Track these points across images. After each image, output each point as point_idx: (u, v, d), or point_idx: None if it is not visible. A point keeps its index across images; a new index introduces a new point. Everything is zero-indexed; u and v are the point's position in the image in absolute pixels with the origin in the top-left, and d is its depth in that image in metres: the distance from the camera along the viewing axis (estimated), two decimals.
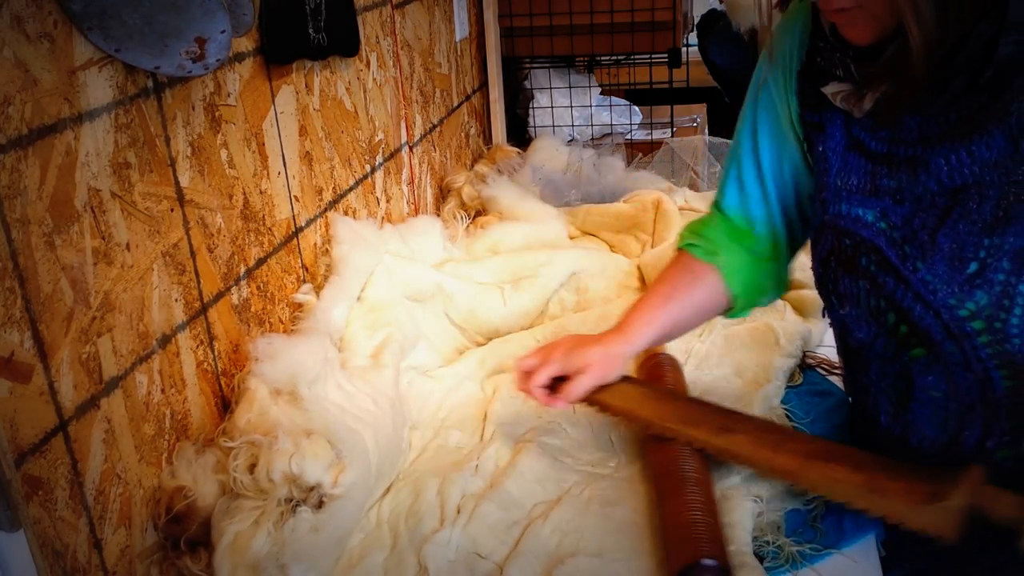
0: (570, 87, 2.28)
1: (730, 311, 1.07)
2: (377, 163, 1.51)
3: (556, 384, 1.04)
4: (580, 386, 1.02)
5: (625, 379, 1.07)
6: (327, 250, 1.27)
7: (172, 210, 0.94)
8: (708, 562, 0.84)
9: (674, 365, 1.20)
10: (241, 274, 1.08)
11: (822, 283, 0.94)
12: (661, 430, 1.02)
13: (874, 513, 0.87)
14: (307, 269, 1.26)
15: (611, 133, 2.33)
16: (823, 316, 1.06)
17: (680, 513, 0.91)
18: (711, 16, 2.44)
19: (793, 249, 1.06)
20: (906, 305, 0.84)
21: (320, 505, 0.92)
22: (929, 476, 0.86)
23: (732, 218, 1.04)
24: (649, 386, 1.10)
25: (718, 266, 1.03)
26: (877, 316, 0.88)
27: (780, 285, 1.09)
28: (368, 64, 1.45)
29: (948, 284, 0.80)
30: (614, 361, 1.04)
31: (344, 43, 1.33)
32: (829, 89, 0.87)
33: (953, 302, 0.81)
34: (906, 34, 0.75)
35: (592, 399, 1.05)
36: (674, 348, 1.33)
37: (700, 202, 1.79)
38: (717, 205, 1.07)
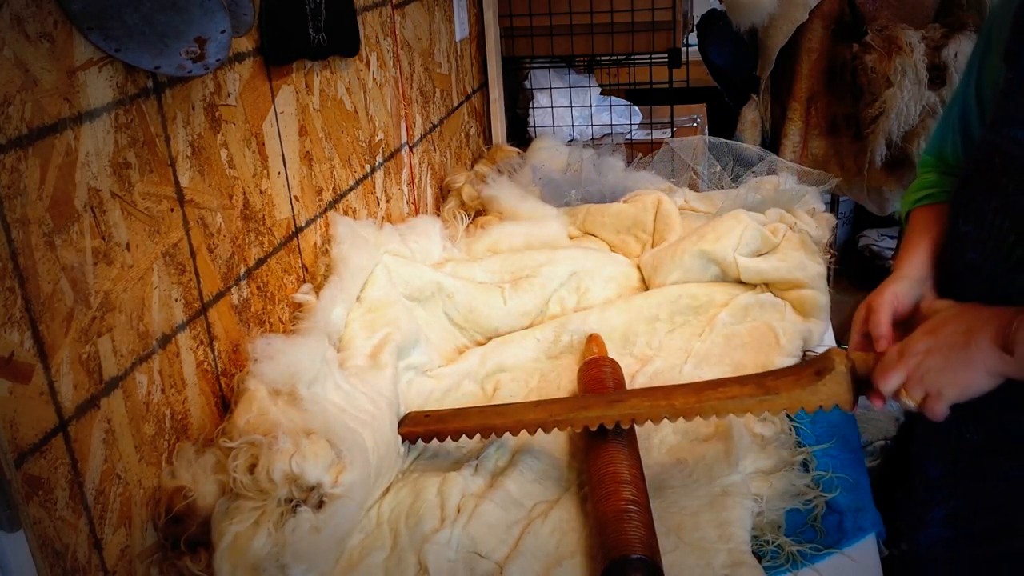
0: (570, 87, 2.28)
1: None
2: (377, 163, 1.51)
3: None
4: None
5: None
6: (327, 250, 1.27)
7: (172, 210, 0.94)
8: (638, 557, 0.85)
9: (615, 368, 1.22)
10: (241, 274, 1.08)
11: (957, 199, 0.98)
12: (555, 424, 1.03)
13: (776, 411, 0.95)
14: (307, 269, 1.26)
15: (611, 133, 2.33)
16: (958, 227, 1.04)
17: (612, 509, 0.91)
18: (711, 16, 2.43)
19: None
20: None
21: (320, 505, 0.92)
22: (805, 365, 0.96)
23: (944, 160, 1.11)
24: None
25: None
26: (997, 235, 0.90)
27: None
28: (368, 64, 1.45)
29: None
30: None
31: (344, 43, 1.33)
32: None
33: None
34: None
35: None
36: (675, 348, 1.33)
37: (700, 202, 1.79)
38: (934, 149, 1.13)
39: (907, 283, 1.02)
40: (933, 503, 1.06)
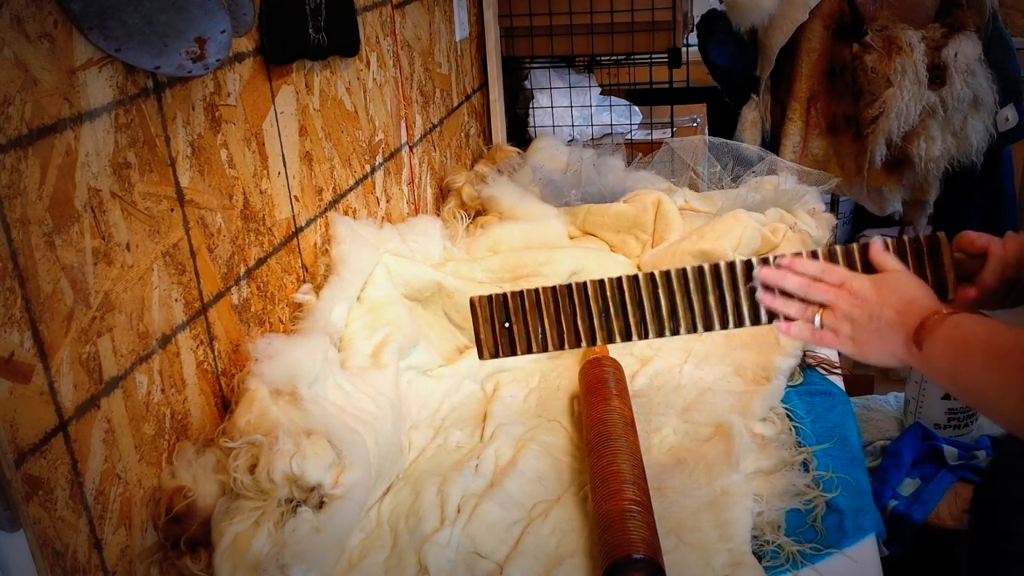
0: (570, 87, 2.28)
1: None
2: (377, 163, 1.51)
3: None
4: None
5: None
6: (327, 250, 1.27)
7: (172, 210, 0.94)
8: (640, 557, 0.85)
9: (616, 368, 1.21)
10: (241, 274, 1.08)
11: None
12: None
13: None
14: (307, 269, 1.26)
15: (611, 133, 2.33)
16: None
17: (614, 509, 0.91)
18: (711, 16, 2.43)
19: None
20: None
21: (321, 505, 0.92)
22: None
23: None
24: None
25: None
26: None
27: None
28: (368, 64, 1.45)
29: None
30: None
31: (344, 43, 1.32)
32: None
33: None
34: None
35: None
36: (675, 348, 1.33)
37: (700, 202, 1.79)
38: None
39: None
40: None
